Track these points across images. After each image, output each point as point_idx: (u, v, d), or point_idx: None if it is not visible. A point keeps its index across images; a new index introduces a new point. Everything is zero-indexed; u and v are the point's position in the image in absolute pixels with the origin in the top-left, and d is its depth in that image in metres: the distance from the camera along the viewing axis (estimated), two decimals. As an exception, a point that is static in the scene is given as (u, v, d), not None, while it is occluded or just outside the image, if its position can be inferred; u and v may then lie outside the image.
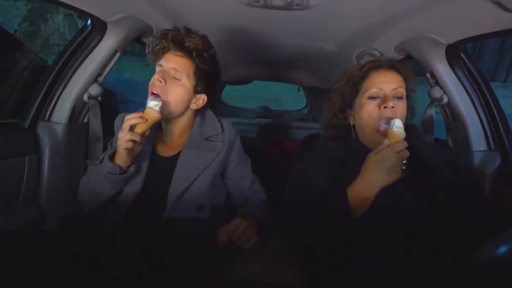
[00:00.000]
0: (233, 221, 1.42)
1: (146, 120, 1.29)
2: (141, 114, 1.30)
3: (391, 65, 1.42)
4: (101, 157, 1.42)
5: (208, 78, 1.52)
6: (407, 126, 1.37)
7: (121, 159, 1.34)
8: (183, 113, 1.54)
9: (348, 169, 1.36)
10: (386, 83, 1.36)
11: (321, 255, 1.37)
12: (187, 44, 1.42)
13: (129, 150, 1.31)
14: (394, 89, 1.35)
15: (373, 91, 1.37)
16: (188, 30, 1.44)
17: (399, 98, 1.37)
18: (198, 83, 1.49)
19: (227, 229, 1.39)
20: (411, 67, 1.48)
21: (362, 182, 1.22)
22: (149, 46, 1.50)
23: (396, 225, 1.23)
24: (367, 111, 1.38)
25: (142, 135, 1.30)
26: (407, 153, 1.16)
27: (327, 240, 1.27)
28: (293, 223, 1.37)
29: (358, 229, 1.21)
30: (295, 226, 1.37)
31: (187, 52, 1.43)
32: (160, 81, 1.40)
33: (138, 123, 1.29)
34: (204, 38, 1.47)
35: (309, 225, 1.30)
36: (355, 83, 1.45)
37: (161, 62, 1.45)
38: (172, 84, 1.43)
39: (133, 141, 1.28)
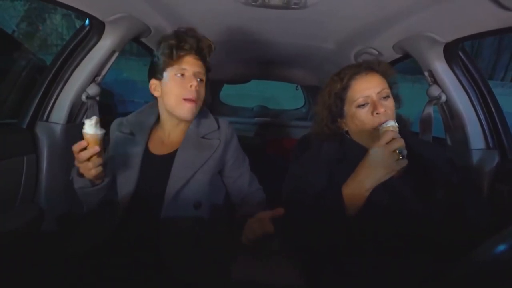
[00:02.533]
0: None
1: (88, 144, 1.24)
2: (83, 142, 1.25)
3: (368, 68, 1.40)
4: (71, 174, 1.42)
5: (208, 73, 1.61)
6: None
7: (89, 177, 1.34)
8: None
9: (345, 168, 1.36)
10: (370, 88, 1.35)
11: (320, 252, 1.37)
12: (205, 52, 1.54)
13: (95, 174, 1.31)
14: (379, 92, 1.34)
15: (360, 100, 1.35)
16: (198, 33, 1.52)
17: (386, 97, 1.36)
18: (207, 80, 1.58)
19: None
20: (385, 62, 1.48)
21: (354, 179, 1.22)
22: (165, 48, 1.48)
23: (395, 224, 1.23)
24: (360, 120, 1.37)
25: (99, 154, 1.27)
26: (398, 143, 1.14)
27: (325, 238, 1.27)
28: (292, 223, 1.37)
29: (357, 228, 1.21)
30: (293, 226, 1.37)
31: (204, 56, 1.54)
32: (197, 86, 1.48)
33: (86, 152, 1.25)
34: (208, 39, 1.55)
35: (307, 225, 1.30)
36: (337, 94, 1.43)
37: (185, 65, 1.48)
38: (201, 86, 1.52)
39: (95, 167, 1.28)
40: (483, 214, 1.33)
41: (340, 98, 1.43)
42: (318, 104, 1.56)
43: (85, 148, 1.24)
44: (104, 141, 1.30)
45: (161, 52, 1.47)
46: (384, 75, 1.40)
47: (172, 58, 1.46)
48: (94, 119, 1.24)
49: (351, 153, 1.41)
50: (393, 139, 1.15)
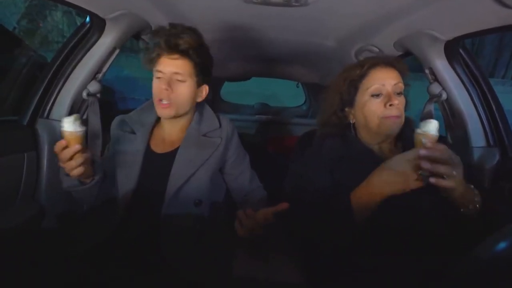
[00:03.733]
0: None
1: (69, 142, 1.21)
2: (63, 141, 1.22)
3: (388, 62, 1.40)
4: (60, 174, 1.40)
5: (206, 69, 1.54)
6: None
7: (75, 177, 1.31)
8: (191, 108, 1.57)
9: (346, 166, 1.35)
10: (388, 79, 1.35)
11: (322, 252, 1.36)
12: (182, 47, 1.41)
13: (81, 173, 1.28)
14: (395, 84, 1.34)
15: (375, 87, 1.35)
16: (176, 28, 1.43)
17: (399, 93, 1.36)
18: (199, 77, 1.51)
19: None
20: (404, 62, 1.47)
21: (366, 187, 1.19)
22: (145, 54, 1.48)
23: (397, 222, 1.23)
24: (371, 110, 1.36)
25: (81, 152, 1.24)
26: (426, 165, 1.05)
27: (328, 238, 1.27)
28: (292, 221, 1.37)
29: (361, 228, 1.20)
30: (294, 224, 1.37)
31: (183, 53, 1.43)
32: (167, 89, 1.42)
33: (66, 151, 1.22)
34: (194, 32, 1.46)
35: (309, 224, 1.30)
36: (353, 82, 1.42)
37: (160, 68, 1.44)
38: (179, 87, 1.46)
39: (78, 165, 1.24)
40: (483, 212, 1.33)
41: (355, 86, 1.42)
42: (329, 90, 1.54)
43: (67, 147, 1.21)
44: (87, 138, 1.28)
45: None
46: (400, 73, 1.40)
47: (151, 62, 1.46)
48: (73, 116, 1.22)
49: (353, 150, 1.41)
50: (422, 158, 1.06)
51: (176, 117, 1.53)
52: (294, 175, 1.50)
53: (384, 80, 1.35)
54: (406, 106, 1.44)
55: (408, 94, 1.47)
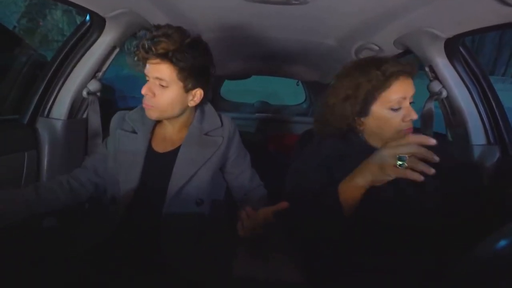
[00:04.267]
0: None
1: None
2: None
3: (410, 72, 1.31)
4: None
5: (197, 72, 1.43)
6: None
7: None
8: (183, 112, 1.52)
9: (347, 165, 1.34)
10: (408, 91, 1.29)
11: (322, 252, 1.36)
12: (159, 51, 1.32)
13: None
14: (412, 95, 1.30)
15: (397, 101, 1.28)
16: (159, 31, 1.34)
17: (411, 103, 1.31)
18: (187, 81, 1.41)
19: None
20: (417, 65, 1.38)
21: (350, 176, 1.17)
22: (128, 57, 1.47)
23: (396, 221, 1.22)
24: (388, 123, 1.31)
25: None
26: (405, 149, 0.99)
27: (322, 234, 1.27)
28: (292, 220, 1.37)
29: (356, 224, 1.20)
30: (293, 223, 1.36)
31: (162, 57, 1.34)
32: (147, 94, 1.40)
33: None
34: (174, 33, 1.34)
35: (308, 222, 1.30)
36: (371, 91, 1.31)
37: (145, 71, 1.40)
38: (161, 93, 1.40)
39: None
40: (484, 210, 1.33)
41: (373, 95, 1.32)
42: (338, 97, 1.40)
43: None
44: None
45: None
46: (413, 80, 1.34)
47: (136, 65, 1.42)
48: None
49: (354, 149, 1.39)
50: (405, 144, 1.02)
51: (163, 119, 1.53)
52: (294, 174, 1.49)
53: (406, 93, 1.29)
54: None
55: None
